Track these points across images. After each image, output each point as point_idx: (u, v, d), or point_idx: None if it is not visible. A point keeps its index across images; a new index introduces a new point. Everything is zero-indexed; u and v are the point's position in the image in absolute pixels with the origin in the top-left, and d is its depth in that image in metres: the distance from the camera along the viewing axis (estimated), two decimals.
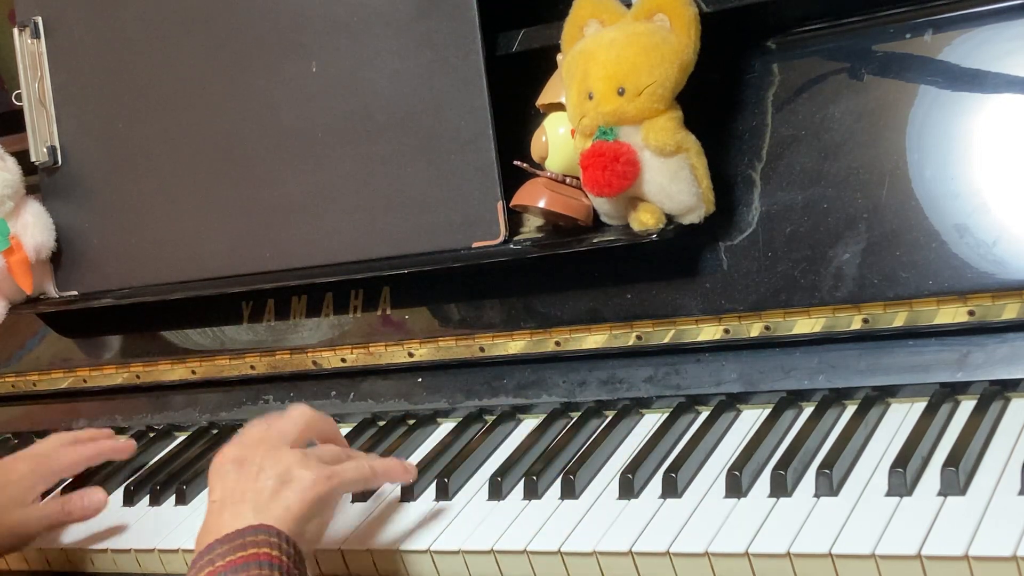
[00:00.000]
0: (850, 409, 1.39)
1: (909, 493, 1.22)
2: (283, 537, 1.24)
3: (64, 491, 1.67)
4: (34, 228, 1.82)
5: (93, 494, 1.61)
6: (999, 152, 1.35)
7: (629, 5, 1.44)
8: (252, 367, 1.77)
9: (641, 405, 1.52)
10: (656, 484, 1.36)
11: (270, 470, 1.30)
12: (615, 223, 1.48)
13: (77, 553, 1.61)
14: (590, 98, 1.41)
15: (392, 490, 1.50)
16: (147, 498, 1.66)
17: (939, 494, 1.20)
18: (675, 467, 1.35)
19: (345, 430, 1.68)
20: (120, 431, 1.88)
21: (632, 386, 1.52)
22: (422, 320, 1.65)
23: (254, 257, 1.70)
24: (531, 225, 1.55)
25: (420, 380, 1.66)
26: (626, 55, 1.39)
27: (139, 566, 1.58)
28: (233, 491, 1.29)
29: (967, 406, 1.32)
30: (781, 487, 1.28)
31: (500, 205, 1.53)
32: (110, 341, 1.90)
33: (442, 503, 1.45)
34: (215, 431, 1.78)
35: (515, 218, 1.54)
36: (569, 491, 1.39)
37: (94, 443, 1.66)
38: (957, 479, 1.19)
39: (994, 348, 1.34)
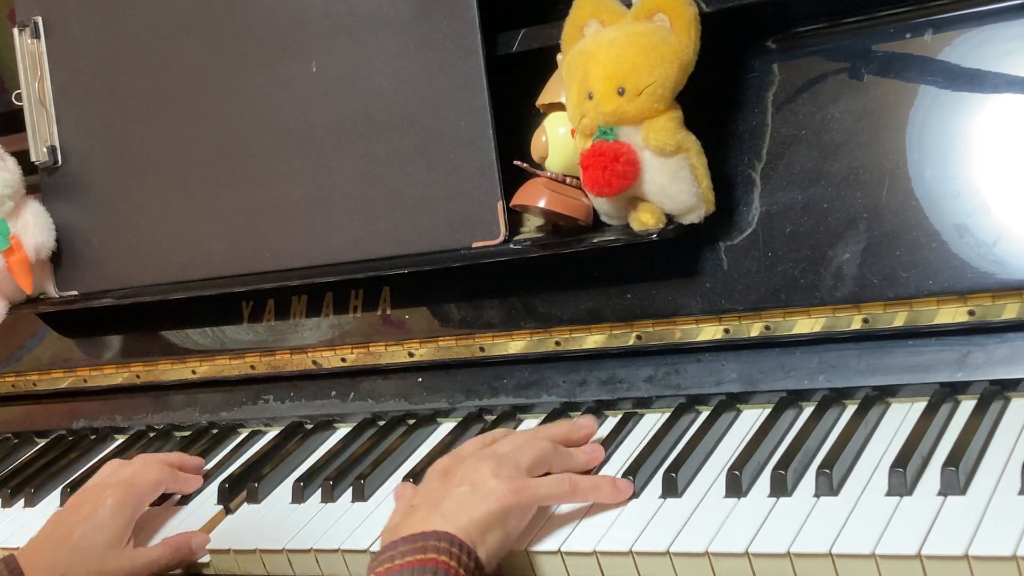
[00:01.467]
0: (850, 409, 1.39)
1: (909, 493, 1.22)
2: (462, 547, 1.24)
3: None
4: (34, 228, 1.82)
5: (199, 538, 1.54)
6: (999, 152, 1.35)
7: (629, 5, 1.44)
8: (252, 367, 1.77)
9: (641, 405, 1.52)
10: (656, 484, 1.36)
11: (465, 479, 1.31)
12: (615, 223, 1.48)
13: None
14: (590, 98, 1.41)
15: (391, 491, 1.50)
16: (243, 496, 1.65)
17: (939, 494, 1.20)
18: (675, 467, 1.35)
19: (345, 430, 1.69)
20: (120, 431, 1.88)
21: (632, 386, 1.52)
22: (422, 320, 1.65)
23: (254, 257, 1.70)
24: (531, 225, 1.55)
25: (420, 380, 1.66)
26: (626, 55, 1.39)
27: None
28: (430, 496, 1.31)
29: (967, 406, 1.32)
30: (781, 487, 1.28)
31: (500, 205, 1.53)
32: (110, 341, 1.90)
33: None
34: (215, 431, 1.78)
35: (515, 218, 1.54)
36: None
37: (173, 471, 1.61)
38: (957, 479, 1.19)
39: (994, 348, 1.34)
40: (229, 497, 1.60)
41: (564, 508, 1.36)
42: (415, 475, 1.49)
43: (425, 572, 1.21)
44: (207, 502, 1.62)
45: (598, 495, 1.34)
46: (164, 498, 1.64)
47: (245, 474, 1.63)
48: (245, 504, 1.58)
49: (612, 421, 1.51)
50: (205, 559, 1.53)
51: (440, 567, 1.21)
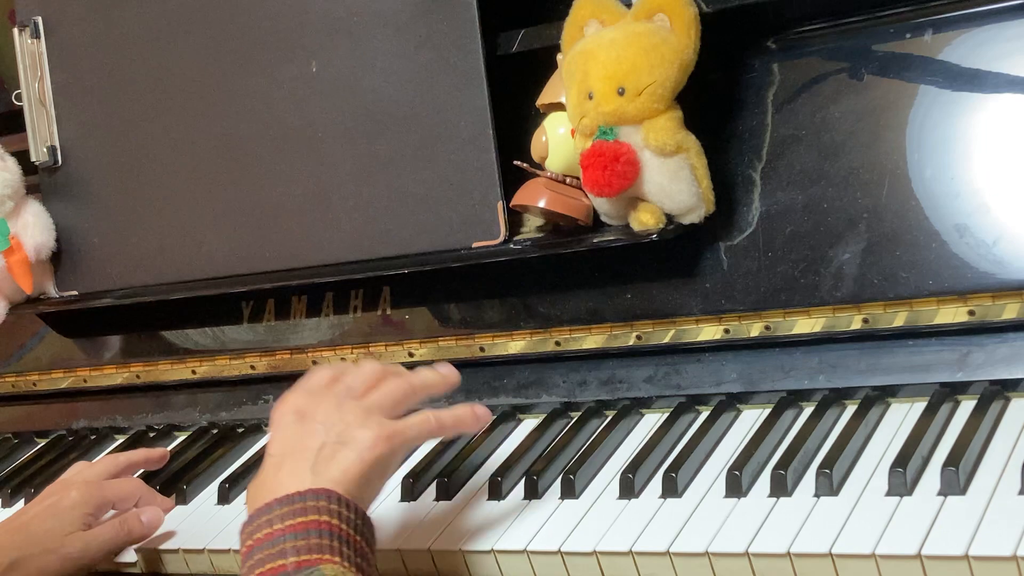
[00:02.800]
0: (850, 409, 1.39)
1: (909, 493, 1.22)
2: (343, 502, 1.20)
3: None
4: (34, 228, 1.82)
5: (152, 512, 1.57)
6: (999, 152, 1.35)
7: (629, 5, 1.44)
8: (252, 367, 1.77)
9: (641, 405, 1.52)
10: (656, 484, 1.36)
11: (331, 427, 1.27)
12: (615, 223, 1.48)
13: None
14: (590, 98, 1.41)
15: (393, 489, 1.50)
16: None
17: (939, 494, 1.20)
18: (675, 467, 1.35)
19: None
20: (120, 431, 1.88)
21: (632, 386, 1.52)
22: (422, 320, 1.65)
23: (254, 257, 1.70)
24: (531, 225, 1.55)
25: None
26: (626, 55, 1.39)
27: (139, 566, 1.57)
28: (293, 446, 1.26)
29: (967, 406, 1.32)
30: (781, 487, 1.28)
31: (500, 205, 1.53)
32: (110, 341, 1.90)
33: (442, 503, 1.45)
34: (215, 431, 1.78)
35: (515, 218, 1.54)
36: (569, 491, 1.39)
37: (145, 487, 1.61)
38: (957, 479, 1.19)
39: (994, 348, 1.34)
40: (228, 497, 1.60)
41: (562, 509, 1.36)
42: (415, 475, 1.49)
43: (310, 535, 1.17)
44: (207, 501, 1.62)
45: (461, 426, 1.34)
46: None
47: (245, 474, 1.63)
48: (246, 504, 1.58)
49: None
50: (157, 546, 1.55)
51: (324, 527, 1.18)
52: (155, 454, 1.68)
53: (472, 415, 1.35)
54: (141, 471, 1.68)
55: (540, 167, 1.50)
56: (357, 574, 1.17)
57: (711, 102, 1.46)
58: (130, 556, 1.55)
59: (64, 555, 1.50)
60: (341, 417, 1.28)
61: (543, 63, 1.51)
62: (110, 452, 1.82)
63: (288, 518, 1.19)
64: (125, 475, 1.62)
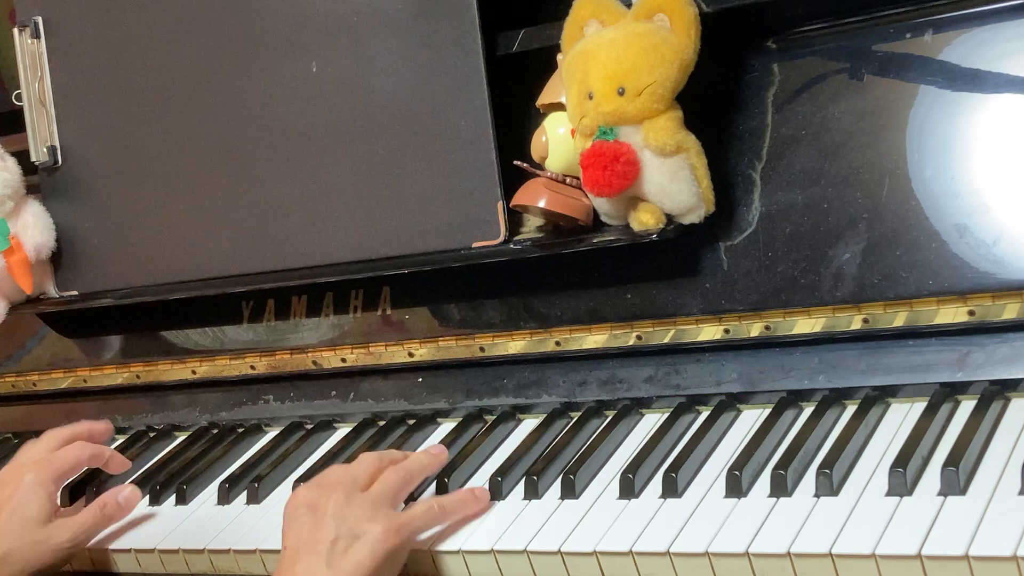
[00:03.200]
0: (850, 409, 1.39)
1: (909, 493, 1.22)
2: None
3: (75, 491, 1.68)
4: (34, 228, 1.82)
5: (127, 491, 1.60)
6: (999, 152, 1.35)
7: (629, 5, 1.44)
8: (252, 367, 1.77)
9: (641, 405, 1.52)
10: (656, 484, 1.36)
11: (342, 522, 1.32)
12: (615, 223, 1.48)
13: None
14: (590, 98, 1.41)
15: None
16: (147, 498, 1.66)
17: (939, 494, 1.20)
18: (675, 467, 1.35)
19: (345, 430, 1.69)
20: (120, 431, 1.88)
21: (632, 386, 1.52)
22: (422, 320, 1.65)
23: (254, 257, 1.70)
24: (531, 225, 1.55)
25: (420, 380, 1.66)
26: (626, 55, 1.39)
27: (139, 566, 1.58)
28: (307, 540, 1.32)
29: (967, 406, 1.32)
30: (781, 487, 1.28)
31: (500, 205, 1.53)
32: (110, 341, 1.90)
33: None
34: (215, 431, 1.78)
35: (515, 218, 1.54)
36: (569, 491, 1.39)
37: (89, 445, 1.63)
38: (957, 479, 1.19)
39: (994, 348, 1.34)
40: (228, 497, 1.60)
41: (562, 509, 1.36)
42: None
43: None
44: (207, 501, 1.62)
45: (464, 510, 1.40)
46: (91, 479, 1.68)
47: (245, 474, 1.63)
48: (245, 504, 1.58)
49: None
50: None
51: None
52: (98, 426, 1.68)
53: (472, 497, 1.41)
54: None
55: (540, 167, 1.50)
56: None
57: (711, 102, 1.46)
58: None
59: (54, 546, 1.52)
60: (351, 511, 1.33)
61: (543, 63, 1.51)
62: (117, 448, 1.83)
63: None
64: (86, 450, 1.63)
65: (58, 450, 1.61)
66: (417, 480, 1.43)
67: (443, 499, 1.40)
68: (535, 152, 1.50)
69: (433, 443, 1.57)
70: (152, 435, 1.84)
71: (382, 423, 1.67)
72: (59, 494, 1.61)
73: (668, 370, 1.50)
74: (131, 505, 1.60)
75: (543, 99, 1.51)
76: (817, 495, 1.26)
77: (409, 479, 1.41)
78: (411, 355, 1.65)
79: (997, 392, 1.32)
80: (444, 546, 1.37)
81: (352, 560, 1.30)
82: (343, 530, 1.31)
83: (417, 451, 1.49)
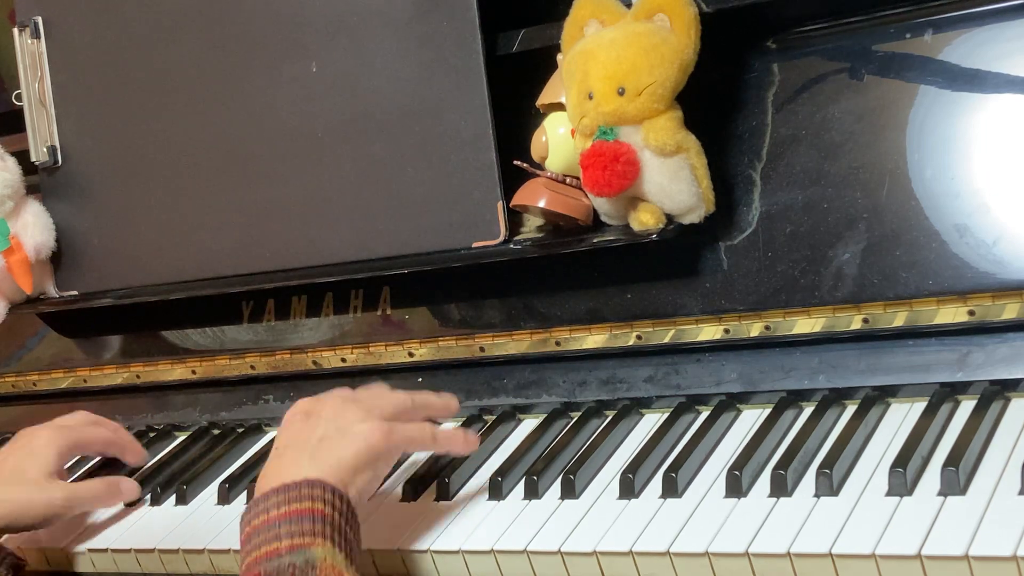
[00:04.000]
0: (850, 409, 1.39)
1: (909, 493, 1.22)
2: (334, 492, 1.28)
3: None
4: (34, 228, 1.82)
5: (130, 482, 1.64)
6: (999, 152, 1.35)
7: (629, 5, 1.44)
8: (252, 367, 1.77)
9: (641, 405, 1.52)
10: (656, 484, 1.36)
11: (331, 422, 1.35)
12: (615, 223, 1.48)
13: (76, 552, 1.61)
14: (590, 98, 1.41)
15: (393, 488, 1.50)
16: (147, 498, 1.66)
17: (939, 494, 1.20)
18: (675, 467, 1.35)
19: None
20: None
21: (632, 386, 1.52)
22: (422, 320, 1.65)
23: (254, 257, 1.70)
24: (531, 225, 1.55)
25: (420, 380, 1.66)
26: (626, 55, 1.39)
27: (139, 566, 1.58)
28: (295, 439, 1.35)
29: (967, 406, 1.32)
30: (781, 487, 1.28)
31: (500, 205, 1.53)
32: (110, 341, 1.90)
33: (442, 503, 1.45)
34: (215, 431, 1.78)
35: (515, 218, 1.54)
36: (569, 491, 1.39)
37: (115, 432, 1.69)
38: (957, 479, 1.19)
39: (994, 348, 1.34)
40: (228, 497, 1.60)
41: (562, 509, 1.36)
42: (415, 475, 1.49)
43: (303, 522, 1.25)
44: (207, 501, 1.62)
45: (452, 445, 1.42)
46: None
47: (245, 474, 1.63)
48: (245, 504, 1.58)
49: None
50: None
51: (317, 514, 1.26)
52: (140, 451, 1.72)
53: (463, 438, 1.43)
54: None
55: (540, 167, 1.50)
56: (345, 557, 1.25)
57: (711, 102, 1.46)
58: None
59: (46, 500, 1.55)
60: (343, 413, 1.37)
61: (543, 63, 1.51)
62: None
63: (283, 505, 1.27)
64: (107, 434, 1.68)
65: (90, 426, 1.66)
66: (418, 411, 1.43)
67: (436, 427, 1.41)
68: (535, 152, 1.50)
69: None
70: (152, 435, 1.84)
71: None
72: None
73: (668, 370, 1.50)
74: (129, 495, 1.63)
75: (543, 99, 1.51)
76: (817, 495, 1.26)
77: (410, 403, 1.42)
78: (411, 355, 1.65)
79: (997, 392, 1.32)
80: (443, 545, 1.37)
81: (334, 454, 1.32)
82: (331, 428, 1.34)
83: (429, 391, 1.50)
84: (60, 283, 1.86)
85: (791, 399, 1.42)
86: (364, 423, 1.35)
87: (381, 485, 1.45)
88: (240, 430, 1.76)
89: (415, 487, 1.48)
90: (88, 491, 1.60)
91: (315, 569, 1.21)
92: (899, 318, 1.37)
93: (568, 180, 1.48)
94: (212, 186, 1.73)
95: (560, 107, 1.48)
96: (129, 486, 1.64)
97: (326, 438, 1.34)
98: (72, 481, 1.64)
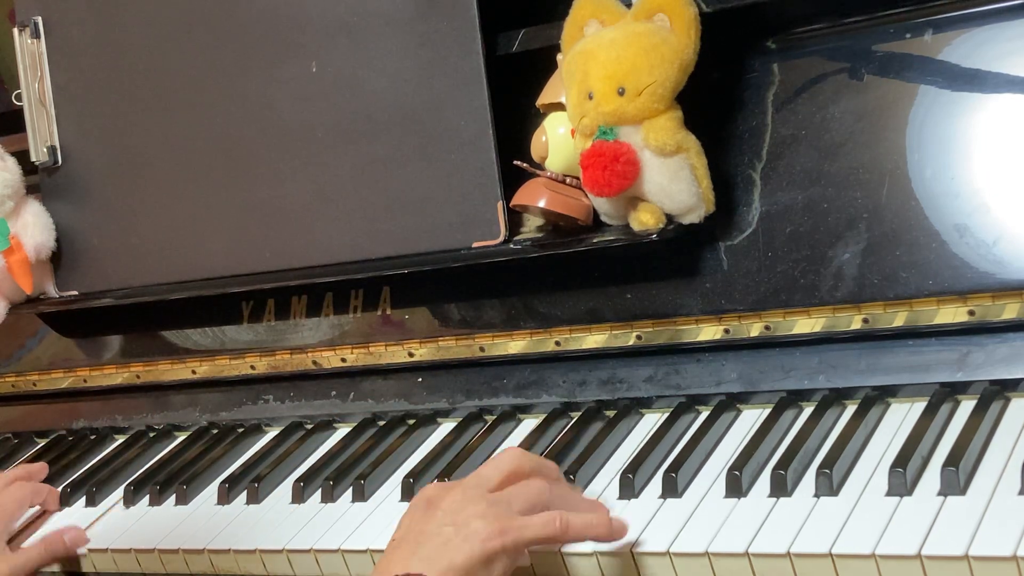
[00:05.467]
0: (850, 409, 1.39)
1: (909, 493, 1.22)
2: None
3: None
4: (34, 228, 1.82)
5: (74, 532, 1.62)
6: (999, 152, 1.35)
7: (629, 5, 1.44)
8: (252, 367, 1.77)
9: (641, 405, 1.52)
10: (656, 484, 1.36)
11: (448, 515, 1.22)
12: (615, 223, 1.48)
13: (77, 552, 1.61)
14: (590, 98, 1.41)
15: (393, 489, 1.50)
16: (147, 498, 1.66)
17: (939, 494, 1.20)
18: (675, 467, 1.35)
19: (345, 430, 1.69)
20: (120, 431, 1.88)
21: (632, 386, 1.52)
22: (422, 320, 1.65)
23: (254, 257, 1.70)
24: (531, 225, 1.55)
25: (420, 380, 1.66)
26: (626, 55, 1.39)
27: (139, 566, 1.58)
28: (412, 531, 1.23)
29: (967, 406, 1.32)
30: (781, 487, 1.28)
31: (500, 205, 1.53)
32: (110, 341, 1.90)
33: None
34: (215, 431, 1.78)
35: (515, 218, 1.54)
36: None
37: (27, 484, 1.68)
38: (957, 479, 1.19)
39: (994, 348, 1.34)
40: (228, 497, 1.60)
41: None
42: (415, 475, 1.49)
43: None
44: (208, 501, 1.62)
45: (592, 533, 1.26)
46: None
47: (245, 474, 1.63)
48: (245, 504, 1.59)
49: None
50: (82, 551, 1.61)
51: None
52: (33, 467, 1.73)
53: (607, 525, 1.27)
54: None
55: (540, 167, 1.50)
56: None
57: (711, 102, 1.46)
58: None
59: None
60: (463, 507, 1.23)
61: (543, 63, 1.51)
62: (109, 452, 1.83)
63: None
64: (26, 489, 1.68)
65: (5, 490, 1.64)
66: (558, 503, 1.26)
67: (569, 514, 1.25)
68: (535, 152, 1.50)
69: (435, 443, 1.57)
70: (152, 435, 1.84)
71: (382, 423, 1.67)
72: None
73: (668, 370, 1.50)
74: (77, 545, 1.61)
75: (543, 99, 1.51)
76: (817, 495, 1.26)
77: (550, 497, 1.26)
78: (411, 355, 1.65)
79: (997, 392, 1.32)
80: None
81: (446, 554, 1.19)
82: (446, 523, 1.21)
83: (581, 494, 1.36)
84: (60, 283, 1.86)
85: (791, 399, 1.42)
86: (482, 521, 1.20)
87: None
88: (240, 430, 1.76)
89: (415, 487, 1.48)
90: (33, 554, 1.59)
91: None
92: (899, 318, 1.37)
93: (568, 180, 1.48)
94: (212, 186, 1.73)
95: (560, 107, 1.48)
96: (75, 537, 1.61)
97: (441, 534, 1.21)
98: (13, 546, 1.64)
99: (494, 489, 1.26)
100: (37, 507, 1.71)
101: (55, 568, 1.62)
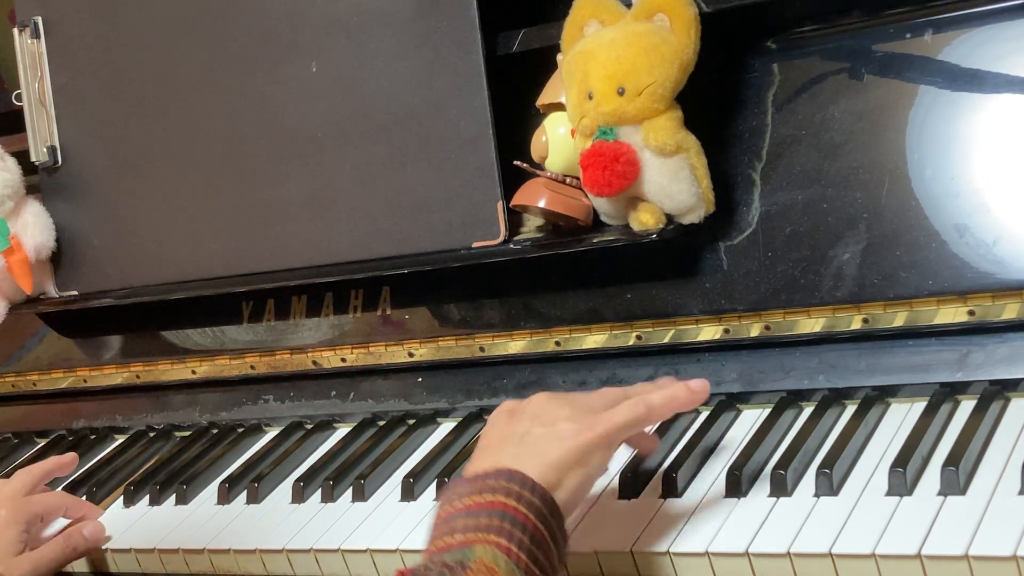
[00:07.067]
0: (850, 409, 1.39)
1: (909, 493, 1.22)
2: (530, 486, 1.13)
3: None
4: (34, 228, 1.82)
5: (93, 526, 1.61)
6: (999, 152, 1.35)
7: (629, 5, 1.44)
8: (252, 367, 1.77)
9: None
10: (656, 484, 1.36)
11: (536, 418, 1.22)
12: (615, 223, 1.48)
13: None
14: (590, 98, 1.41)
15: (393, 489, 1.50)
16: (147, 498, 1.66)
17: (939, 494, 1.20)
18: (675, 467, 1.35)
19: (345, 430, 1.69)
20: (120, 431, 1.88)
21: None
22: (422, 320, 1.65)
23: (254, 257, 1.70)
24: (531, 225, 1.55)
25: (420, 380, 1.66)
26: (626, 55, 1.39)
27: (139, 566, 1.58)
28: (496, 437, 1.22)
29: (967, 406, 1.32)
30: (781, 487, 1.28)
31: (500, 205, 1.53)
32: (110, 341, 1.90)
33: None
34: (215, 431, 1.78)
35: (515, 218, 1.54)
36: None
37: (73, 499, 1.66)
38: (957, 479, 1.19)
39: (994, 348, 1.34)
40: (228, 497, 1.60)
41: None
42: (415, 475, 1.49)
43: (480, 515, 1.11)
44: (208, 501, 1.62)
45: (676, 406, 1.27)
46: None
47: (245, 474, 1.63)
48: (245, 504, 1.59)
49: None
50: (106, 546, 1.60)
51: (498, 508, 1.11)
52: (65, 459, 1.70)
53: (687, 390, 1.27)
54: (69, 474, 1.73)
55: (540, 167, 1.50)
56: (525, 561, 1.09)
57: (711, 102, 1.46)
58: None
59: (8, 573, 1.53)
60: (548, 410, 1.23)
61: (543, 63, 1.51)
62: (109, 452, 1.83)
63: (467, 497, 1.14)
64: (41, 484, 1.65)
65: (41, 494, 1.63)
66: (628, 401, 1.25)
67: (650, 395, 1.25)
68: (535, 152, 1.50)
69: (435, 443, 1.58)
70: (152, 435, 1.84)
71: (382, 423, 1.67)
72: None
73: (668, 370, 1.50)
74: (97, 539, 1.60)
75: (543, 99, 1.51)
76: (817, 495, 1.26)
77: (624, 396, 1.26)
78: (411, 355, 1.65)
79: (997, 392, 1.32)
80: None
81: (536, 451, 1.17)
82: (535, 424, 1.20)
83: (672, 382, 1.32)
84: (60, 283, 1.86)
85: (791, 399, 1.42)
86: (569, 420, 1.20)
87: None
88: (240, 430, 1.76)
89: (414, 487, 1.48)
90: (54, 552, 1.57)
91: (465, 570, 1.07)
92: (899, 318, 1.37)
93: (568, 180, 1.48)
94: (212, 186, 1.73)
95: (560, 107, 1.48)
96: (94, 530, 1.60)
97: (529, 433, 1.20)
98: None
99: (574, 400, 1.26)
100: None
101: (83, 568, 1.62)
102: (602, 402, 1.25)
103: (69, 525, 1.64)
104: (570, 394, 1.28)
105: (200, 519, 1.59)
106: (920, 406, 1.35)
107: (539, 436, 1.20)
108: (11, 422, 1.99)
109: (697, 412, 1.48)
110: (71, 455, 1.71)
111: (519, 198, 1.50)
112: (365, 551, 1.42)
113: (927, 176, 1.37)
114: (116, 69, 1.79)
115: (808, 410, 1.41)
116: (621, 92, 1.39)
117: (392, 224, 1.60)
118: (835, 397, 1.40)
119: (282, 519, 1.52)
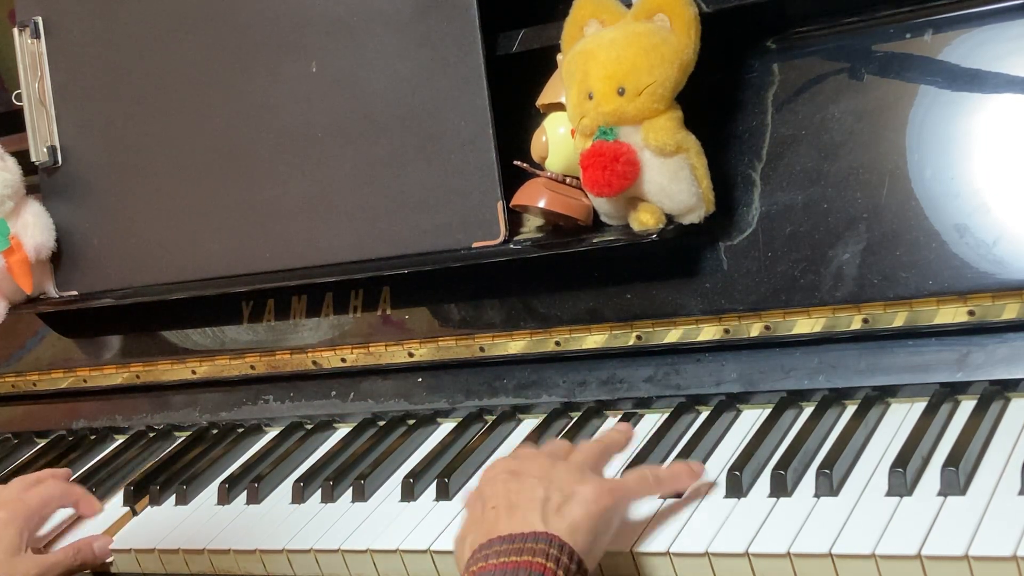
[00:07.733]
0: (850, 409, 1.39)
1: (909, 493, 1.22)
2: (567, 551, 1.17)
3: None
4: (34, 228, 1.82)
5: (103, 540, 1.60)
6: (999, 152, 1.35)
7: (629, 5, 1.44)
8: (252, 367, 1.77)
9: (641, 405, 1.52)
10: None
11: (550, 483, 1.24)
12: (615, 223, 1.48)
13: None
14: (590, 98, 1.41)
15: (393, 489, 1.50)
16: (147, 498, 1.66)
17: (939, 494, 1.20)
18: None
19: (345, 430, 1.69)
20: (120, 431, 1.88)
21: (632, 386, 1.52)
22: (422, 320, 1.65)
23: (254, 257, 1.70)
24: (531, 225, 1.55)
25: (420, 380, 1.66)
26: (626, 55, 1.39)
27: (139, 566, 1.58)
28: (517, 498, 1.23)
29: (967, 406, 1.32)
30: (781, 487, 1.28)
31: (500, 205, 1.53)
32: (110, 341, 1.90)
33: (442, 503, 1.45)
34: (215, 431, 1.78)
35: (515, 218, 1.54)
36: None
37: (59, 483, 1.65)
38: (957, 479, 1.19)
39: (994, 348, 1.34)
40: (228, 497, 1.60)
41: None
42: (415, 475, 1.49)
43: (518, 574, 1.14)
44: (207, 501, 1.62)
45: (678, 483, 1.33)
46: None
47: (245, 474, 1.63)
48: (245, 504, 1.59)
49: (612, 421, 1.52)
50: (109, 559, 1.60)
51: (536, 569, 1.15)
52: (59, 471, 1.70)
53: (688, 470, 1.34)
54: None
55: (540, 167, 1.50)
56: None
57: (711, 102, 1.46)
58: None
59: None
60: (556, 475, 1.26)
61: (543, 63, 1.51)
62: (109, 452, 1.83)
63: (504, 555, 1.17)
64: (54, 489, 1.64)
65: (36, 487, 1.62)
66: (611, 454, 1.36)
67: (657, 469, 1.33)
68: (535, 152, 1.50)
69: (435, 443, 1.58)
70: (152, 435, 1.84)
71: (382, 423, 1.67)
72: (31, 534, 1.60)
73: (668, 370, 1.50)
74: (104, 555, 1.59)
75: (543, 99, 1.51)
76: (817, 495, 1.26)
77: (605, 451, 1.34)
78: (411, 355, 1.65)
79: (997, 392, 1.32)
80: (443, 547, 1.37)
81: (567, 518, 1.20)
82: (552, 490, 1.23)
83: (605, 430, 1.43)
84: (60, 283, 1.86)
85: (791, 399, 1.42)
86: (587, 484, 1.24)
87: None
88: (240, 430, 1.76)
89: (414, 487, 1.48)
90: (60, 558, 1.56)
91: None
92: (899, 318, 1.37)
93: (568, 180, 1.48)
94: (212, 186, 1.73)
95: (560, 107, 1.48)
96: (103, 546, 1.60)
97: (551, 499, 1.22)
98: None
99: (564, 458, 1.30)
100: (71, 510, 1.67)
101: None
102: (591, 459, 1.31)
103: (70, 520, 1.64)
104: (546, 449, 1.33)
105: (200, 519, 1.59)
106: (920, 406, 1.35)
107: (562, 503, 1.22)
108: (11, 422, 1.99)
109: (697, 412, 1.48)
110: (65, 470, 1.72)
111: (519, 198, 1.50)
112: (365, 551, 1.42)
113: (927, 176, 1.37)
114: (116, 69, 1.79)
115: (808, 410, 1.41)
116: (621, 92, 1.39)
117: (392, 224, 1.60)
118: (835, 397, 1.40)
119: (282, 519, 1.52)
